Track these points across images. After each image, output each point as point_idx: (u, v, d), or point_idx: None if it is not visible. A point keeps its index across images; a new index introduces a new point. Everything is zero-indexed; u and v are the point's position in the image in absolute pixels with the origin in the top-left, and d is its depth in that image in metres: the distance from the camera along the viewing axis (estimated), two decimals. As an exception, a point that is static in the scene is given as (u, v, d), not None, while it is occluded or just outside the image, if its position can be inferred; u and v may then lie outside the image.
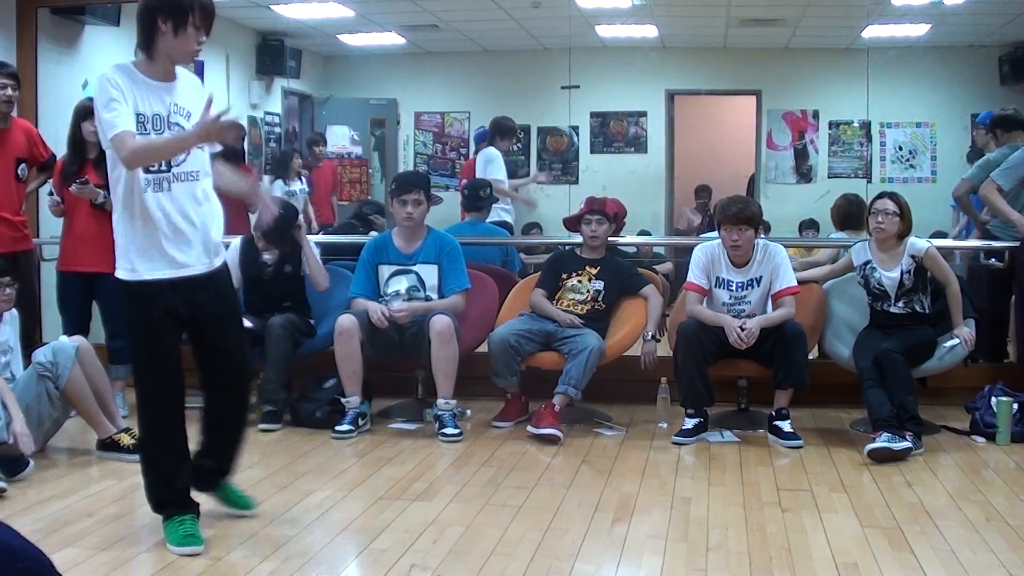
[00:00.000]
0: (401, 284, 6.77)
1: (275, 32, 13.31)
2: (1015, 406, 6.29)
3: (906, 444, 5.83)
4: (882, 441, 5.80)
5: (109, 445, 5.78)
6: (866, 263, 6.48)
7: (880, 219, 6.37)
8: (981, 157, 7.66)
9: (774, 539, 4.55)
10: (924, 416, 6.26)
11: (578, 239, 7.10)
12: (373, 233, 7.91)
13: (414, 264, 6.78)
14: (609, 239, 7.06)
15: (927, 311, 6.45)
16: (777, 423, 6.35)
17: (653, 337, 6.79)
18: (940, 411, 6.81)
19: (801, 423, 6.53)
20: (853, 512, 4.94)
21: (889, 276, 6.38)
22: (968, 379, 6.91)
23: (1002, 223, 7.05)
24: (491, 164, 10.04)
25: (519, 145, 15.05)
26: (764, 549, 4.42)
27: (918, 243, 6.42)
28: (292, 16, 12.49)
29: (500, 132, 10.24)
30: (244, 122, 11.31)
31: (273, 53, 13.38)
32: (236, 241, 7.10)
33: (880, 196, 6.53)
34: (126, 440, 5.74)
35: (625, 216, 7.51)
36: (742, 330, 6.24)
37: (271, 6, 11.88)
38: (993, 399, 6.35)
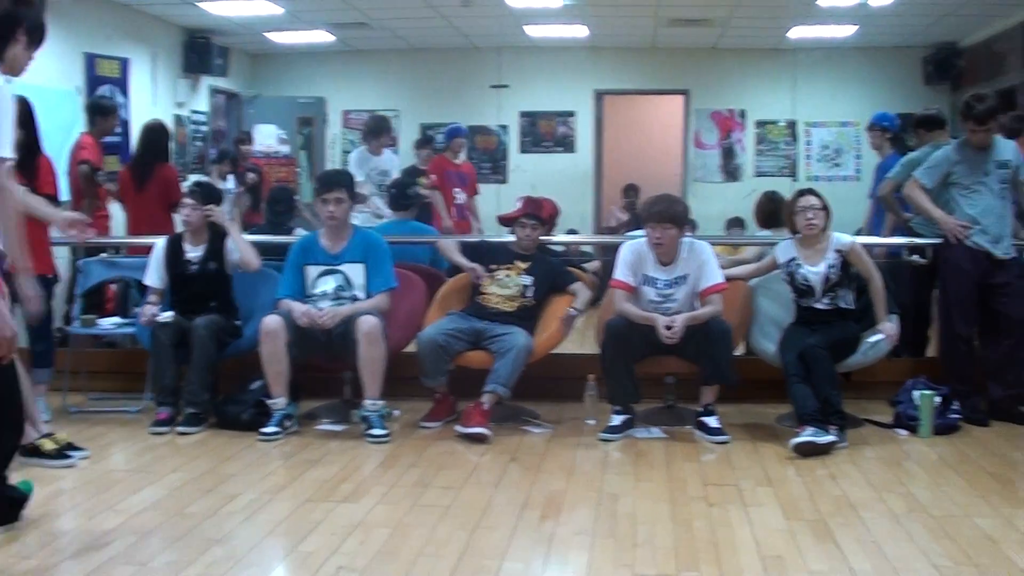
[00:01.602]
0: (328, 284, 6.72)
1: (202, 29, 13.20)
2: (937, 399, 6.39)
3: (831, 438, 5.90)
4: (807, 435, 5.86)
5: (31, 451, 5.67)
6: (791, 260, 6.54)
7: (810, 215, 6.44)
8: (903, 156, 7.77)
9: (700, 533, 4.57)
10: (848, 410, 6.34)
11: (509, 236, 7.10)
12: (298, 232, 7.85)
13: (340, 264, 6.73)
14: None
15: (851, 307, 6.51)
16: (703, 419, 6.39)
17: (575, 309, 6.79)
18: (864, 405, 6.88)
19: (727, 419, 6.57)
20: (779, 505, 4.98)
21: (814, 272, 6.44)
22: (891, 373, 7.01)
23: (925, 221, 7.14)
24: (352, 164, 10.34)
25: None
26: (691, 544, 4.44)
27: (843, 238, 6.50)
28: (219, 13, 12.38)
29: (371, 132, 10.47)
30: (170, 121, 11.19)
31: (200, 51, 13.28)
32: (161, 241, 7.03)
33: (802, 194, 6.60)
34: (48, 446, 5.63)
35: (558, 216, 7.51)
36: (668, 328, 6.26)
37: (198, 3, 11.78)
38: (915, 393, 6.44)
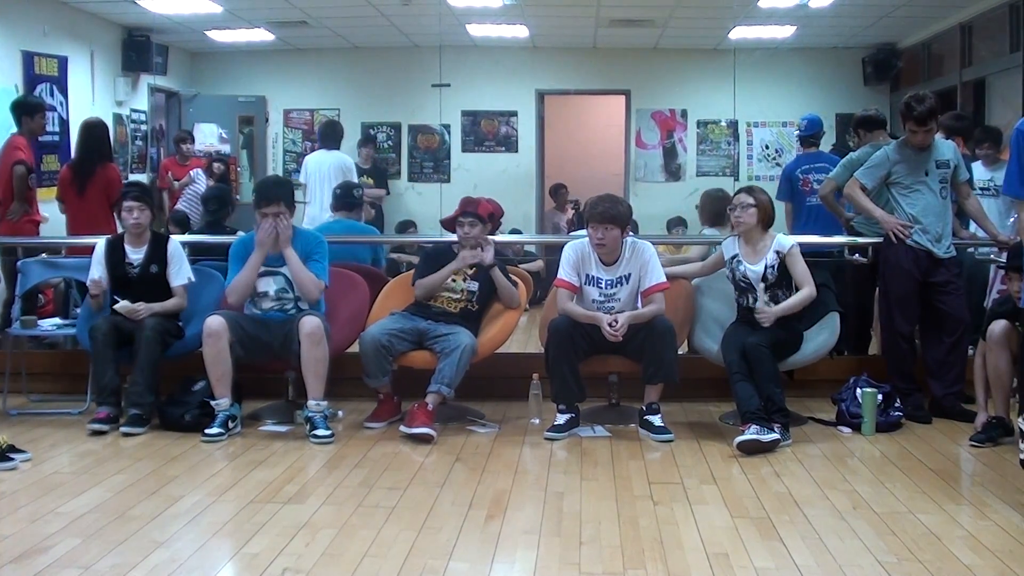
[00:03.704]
0: (270, 286, 6.66)
1: (141, 27, 13.07)
2: (879, 397, 6.45)
3: (774, 436, 5.95)
4: (751, 433, 5.90)
5: None
6: (733, 256, 6.58)
7: (737, 212, 6.51)
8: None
9: (646, 531, 4.59)
10: (791, 408, 6.40)
11: (453, 237, 7.08)
12: (240, 233, 7.79)
13: (281, 266, 6.66)
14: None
15: (792, 305, 6.57)
16: (648, 417, 6.42)
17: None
18: (807, 403, 6.95)
19: (671, 417, 6.61)
20: (723, 503, 5.01)
21: (753, 270, 6.48)
22: (834, 371, 7.06)
23: (866, 220, 7.21)
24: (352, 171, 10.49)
25: (389, 143, 15.06)
26: (636, 542, 4.46)
27: (784, 240, 6.54)
28: (159, 11, 12.27)
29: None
30: (110, 120, 11.05)
31: (139, 49, 13.16)
32: (102, 241, 6.94)
33: (739, 191, 6.67)
34: None
35: (502, 216, 7.49)
36: (611, 326, 6.28)
37: (137, 1, 11.66)
38: (858, 390, 6.51)
